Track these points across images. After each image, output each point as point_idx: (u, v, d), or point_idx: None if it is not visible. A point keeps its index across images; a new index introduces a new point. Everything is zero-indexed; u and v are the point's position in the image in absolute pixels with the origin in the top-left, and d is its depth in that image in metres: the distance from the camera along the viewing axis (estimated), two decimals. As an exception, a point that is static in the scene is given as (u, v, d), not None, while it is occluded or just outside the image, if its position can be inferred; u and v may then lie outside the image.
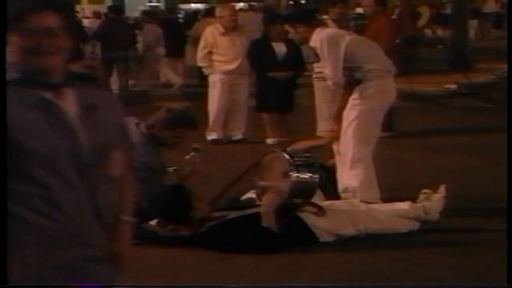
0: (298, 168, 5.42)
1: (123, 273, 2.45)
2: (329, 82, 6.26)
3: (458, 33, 18.50)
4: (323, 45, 6.03)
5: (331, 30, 6.40)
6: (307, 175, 5.45)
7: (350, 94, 6.07)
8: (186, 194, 5.33)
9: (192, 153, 5.56)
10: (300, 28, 6.29)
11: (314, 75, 7.67)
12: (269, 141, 8.89)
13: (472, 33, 28.17)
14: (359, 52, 6.14)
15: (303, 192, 5.44)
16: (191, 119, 5.40)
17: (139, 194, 4.97)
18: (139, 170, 4.94)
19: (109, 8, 16.20)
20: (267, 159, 5.75)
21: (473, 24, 28.71)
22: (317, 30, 6.14)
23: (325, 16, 7.53)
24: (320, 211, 5.38)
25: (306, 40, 6.26)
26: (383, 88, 6.12)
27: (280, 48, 8.88)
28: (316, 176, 5.51)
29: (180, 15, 23.36)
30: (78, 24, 15.41)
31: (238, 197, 5.96)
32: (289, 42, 8.68)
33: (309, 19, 6.32)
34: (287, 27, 7.26)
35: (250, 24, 15.39)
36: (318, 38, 6.08)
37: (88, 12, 26.61)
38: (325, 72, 6.25)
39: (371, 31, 8.59)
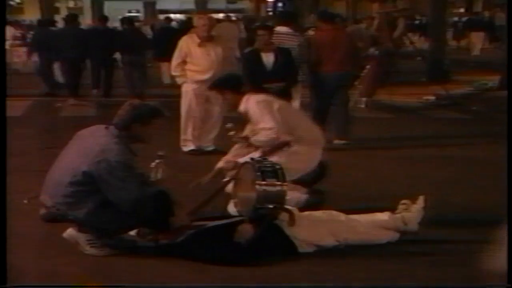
0: (264, 175, 5.37)
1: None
2: (265, 138, 6.17)
3: (437, 44, 18.61)
4: (254, 108, 6.11)
5: (261, 95, 6.37)
6: (274, 182, 5.38)
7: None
8: (168, 200, 5.23)
9: (157, 160, 5.48)
10: (228, 95, 6.32)
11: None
12: None
13: (479, 45, 28.42)
14: (290, 117, 6.28)
15: (271, 199, 5.36)
16: (160, 109, 5.32)
17: (120, 194, 4.97)
18: (119, 169, 4.89)
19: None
20: (242, 169, 5.71)
21: (479, 36, 28.92)
22: (246, 96, 6.20)
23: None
24: (291, 219, 5.31)
25: (235, 106, 6.26)
26: (310, 156, 6.25)
27: (268, 58, 8.75)
28: (284, 182, 5.44)
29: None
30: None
31: (219, 207, 5.92)
32: (277, 51, 8.64)
33: (238, 86, 6.33)
34: (215, 94, 7.25)
35: (227, 35, 15.38)
36: (249, 104, 6.15)
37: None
38: (260, 127, 6.15)
39: None
